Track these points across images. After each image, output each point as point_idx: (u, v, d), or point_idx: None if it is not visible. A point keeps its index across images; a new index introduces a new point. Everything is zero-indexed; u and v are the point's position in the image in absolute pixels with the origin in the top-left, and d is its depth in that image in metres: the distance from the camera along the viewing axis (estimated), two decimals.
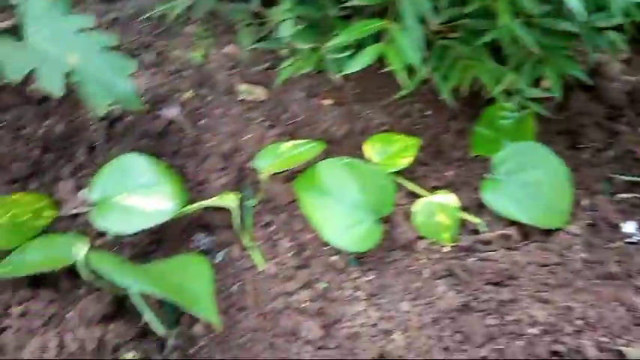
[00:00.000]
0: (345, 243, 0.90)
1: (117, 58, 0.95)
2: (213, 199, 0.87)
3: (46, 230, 0.89)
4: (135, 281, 0.69)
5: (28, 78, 0.94)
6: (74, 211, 0.92)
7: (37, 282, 0.84)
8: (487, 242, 0.95)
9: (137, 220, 0.81)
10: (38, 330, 0.78)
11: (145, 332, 0.81)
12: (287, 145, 0.99)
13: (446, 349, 0.82)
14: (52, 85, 0.90)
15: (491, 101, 1.20)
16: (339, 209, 0.92)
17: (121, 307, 0.83)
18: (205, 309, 0.71)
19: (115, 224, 0.81)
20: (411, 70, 1.06)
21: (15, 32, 0.95)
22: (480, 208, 1.03)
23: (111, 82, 0.91)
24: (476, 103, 1.25)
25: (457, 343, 0.83)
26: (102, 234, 0.92)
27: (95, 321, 0.78)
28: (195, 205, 0.85)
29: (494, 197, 0.99)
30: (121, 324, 0.79)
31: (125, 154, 0.87)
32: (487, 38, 1.05)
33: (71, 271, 0.85)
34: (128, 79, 0.94)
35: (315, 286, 0.89)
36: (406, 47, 0.95)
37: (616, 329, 0.85)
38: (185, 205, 0.84)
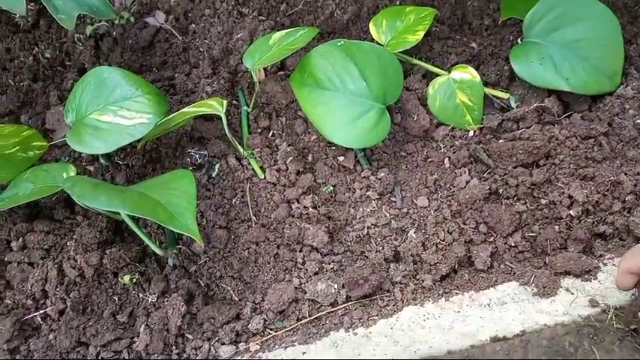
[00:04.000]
0: (349, 139, 0.79)
1: None
2: (195, 105, 0.78)
3: (40, 160, 0.85)
4: (107, 201, 0.64)
5: None
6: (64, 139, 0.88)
7: (33, 215, 0.82)
8: (519, 119, 0.80)
9: (113, 137, 0.74)
10: (38, 261, 0.76)
11: (145, 254, 0.77)
12: (278, 36, 0.86)
13: (469, 242, 0.73)
14: (12, 4, 0.83)
15: None
16: (340, 101, 0.80)
17: (117, 231, 0.79)
18: (184, 224, 0.64)
19: (89, 145, 0.74)
20: None
21: None
22: (511, 81, 0.87)
23: None
24: None
25: (482, 235, 0.72)
26: (96, 158, 0.87)
27: (92, 248, 0.75)
28: (176, 114, 0.77)
29: (527, 65, 0.82)
30: (119, 248, 0.75)
31: (94, 69, 0.79)
32: None
33: (66, 201, 0.82)
34: None
35: (321, 191, 0.80)
36: None
37: None
38: (165, 117, 0.76)
